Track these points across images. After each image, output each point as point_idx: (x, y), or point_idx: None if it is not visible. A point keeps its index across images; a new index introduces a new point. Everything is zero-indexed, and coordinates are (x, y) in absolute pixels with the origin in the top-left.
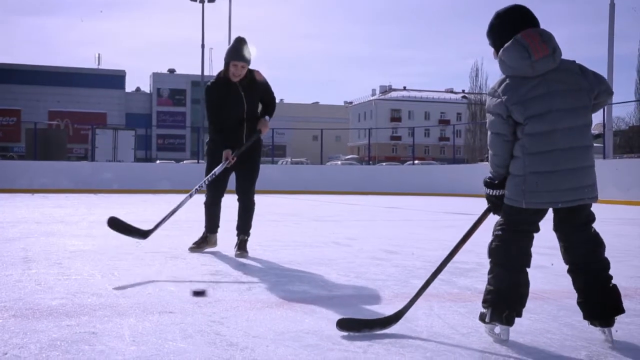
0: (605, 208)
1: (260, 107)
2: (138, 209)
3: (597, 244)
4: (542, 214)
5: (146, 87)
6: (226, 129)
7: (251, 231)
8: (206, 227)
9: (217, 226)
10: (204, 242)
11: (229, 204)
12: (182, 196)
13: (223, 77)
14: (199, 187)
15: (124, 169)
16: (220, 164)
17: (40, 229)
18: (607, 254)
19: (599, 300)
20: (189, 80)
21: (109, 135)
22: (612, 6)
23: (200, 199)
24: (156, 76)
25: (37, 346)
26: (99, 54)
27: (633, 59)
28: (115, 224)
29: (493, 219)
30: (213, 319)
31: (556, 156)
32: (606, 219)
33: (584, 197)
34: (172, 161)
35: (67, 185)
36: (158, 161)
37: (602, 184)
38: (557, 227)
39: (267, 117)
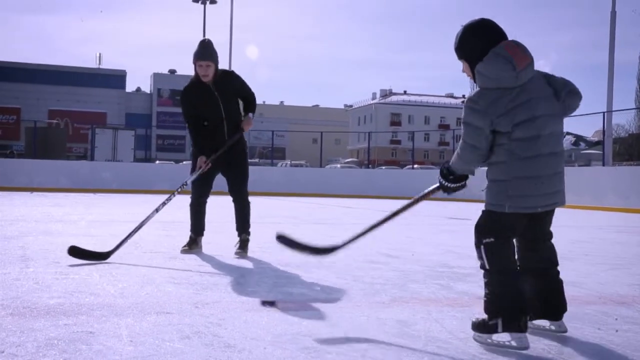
0: (604, 215)
1: (242, 105)
2: (137, 209)
3: (554, 249)
4: (525, 219)
5: (147, 87)
6: (207, 130)
7: (250, 231)
8: (192, 229)
9: (203, 229)
10: (194, 244)
11: (225, 204)
12: (183, 197)
13: (195, 80)
14: (167, 200)
15: (123, 169)
16: (194, 173)
17: (38, 228)
18: (605, 262)
19: (557, 300)
20: (189, 81)
21: (109, 135)
22: (613, 14)
23: (186, 202)
24: (157, 76)
25: (34, 345)
26: (99, 54)
27: (633, 66)
28: (75, 252)
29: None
30: (211, 320)
31: (540, 161)
32: (605, 227)
33: (557, 201)
34: (172, 162)
35: (66, 184)
36: (157, 161)
37: (601, 191)
38: (525, 232)
39: (250, 115)
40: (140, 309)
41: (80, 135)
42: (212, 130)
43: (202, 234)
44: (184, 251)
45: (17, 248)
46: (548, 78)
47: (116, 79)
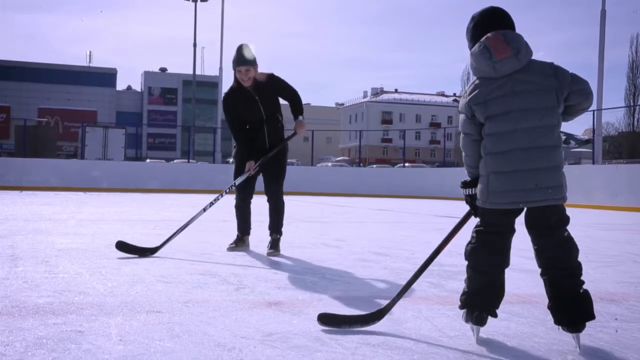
0: (594, 213)
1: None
2: (127, 208)
3: (568, 248)
4: (512, 214)
5: (137, 86)
6: (249, 133)
7: (282, 231)
8: (238, 229)
9: (249, 227)
10: (241, 243)
11: (222, 205)
12: (173, 195)
13: (235, 86)
14: (215, 200)
15: (114, 168)
16: (241, 175)
17: (28, 227)
18: (595, 260)
19: (566, 305)
20: (180, 79)
21: (99, 134)
22: (603, 13)
23: (189, 199)
24: (147, 75)
25: (22, 344)
26: (90, 52)
27: (623, 65)
28: (123, 247)
29: (474, 221)
30: (201, 319)
31: (516, 156)
32: (595, 224)
33: (547, 198)
34: (163, 160)
35: (56, 183)
36: (148, 160)
37: (590, 189)
38: (528, 230)
39: (300, 118)
40: (130, 307)
41: (71, 133)
42: (252, 132)
43: (248, 233)
44: (230, 249)
45: (6, 247)
46: (556, 71)
47: (107, 77)
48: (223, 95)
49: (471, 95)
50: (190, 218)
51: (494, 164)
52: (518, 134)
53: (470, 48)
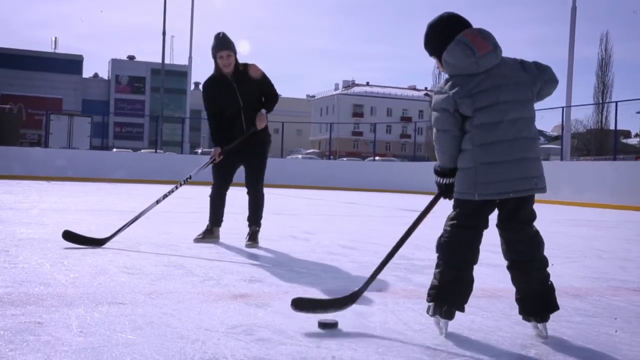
0: (560, 209)
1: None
2: (92, 198)
3: (537, 242)
4: (491, 206)
5: (104, 73)
6: (226, 121)
7: (262, 223)
8: (210, 220)
9: (221, 220)
10: (209, 234)
11: (193, 195)
12: (140, 186)
13: (215, 73)
14: (169, 192)
15: (79, 157)
16: (203, 165)
17: None
18: (560, 255)
19: (536, 297)
20: (148, 68)
21: (64, 122)
22: (573, 9)
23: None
24: (115, 62)
25: None
26: (55, 37)
27: (593, 62)
28: (70, 237)
29: (445, 207)
30: (164, 311)
31: (504, 147)
32: (561, 220)
33: (533, 187)
34: (129, 150)
35: (18, 172)
36: (114, 149)
37: (558, 185)
38: (501, 224)
39: (263, 111)
40: (92, 299)
41: (35, 121)
42: (231, 121)
43: (219, 225)
44: (197, 240)
45: None
46: (524, 65)
47: (73, 64)
48: (203, 83)
49: (454, 90)
50: (142, 210)
51: (482, 155)
52: (505, 125)
53: (439, 52)
